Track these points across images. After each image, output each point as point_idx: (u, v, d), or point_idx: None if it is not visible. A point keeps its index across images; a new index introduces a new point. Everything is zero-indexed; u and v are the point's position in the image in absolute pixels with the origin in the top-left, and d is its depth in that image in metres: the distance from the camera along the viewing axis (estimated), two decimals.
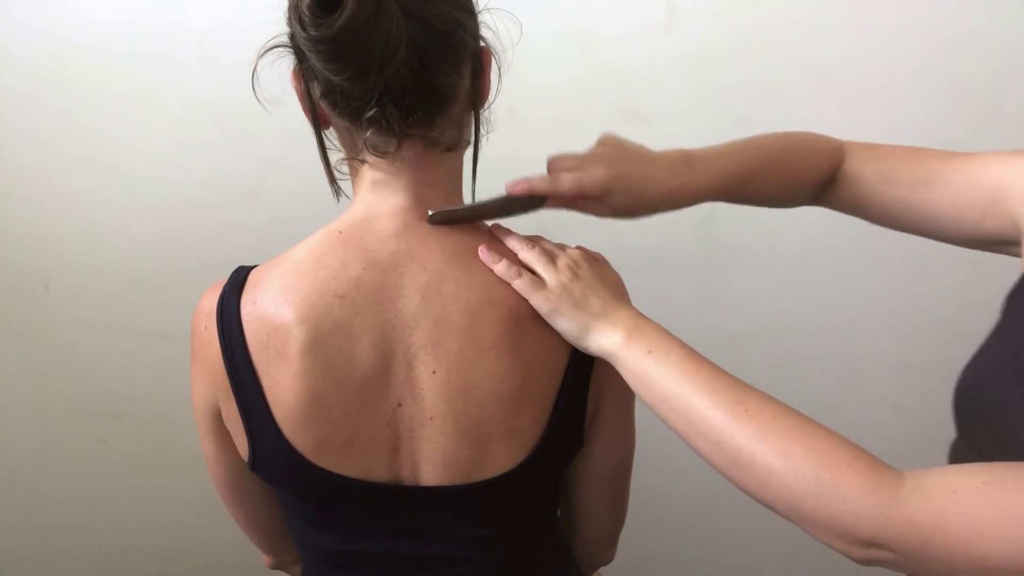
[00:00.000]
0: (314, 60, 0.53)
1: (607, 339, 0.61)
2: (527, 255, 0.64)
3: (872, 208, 0.75)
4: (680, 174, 0.69)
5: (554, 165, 0.67)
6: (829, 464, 0.50)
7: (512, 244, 0.66)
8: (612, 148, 0.68)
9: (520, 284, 0.62)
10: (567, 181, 0.65)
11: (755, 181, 0.74)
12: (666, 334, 0.61)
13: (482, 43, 0.63)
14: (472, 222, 0.66)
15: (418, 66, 0.55)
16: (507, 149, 0.90)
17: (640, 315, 0.63)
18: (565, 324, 0.62)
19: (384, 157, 0.61)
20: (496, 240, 0.66)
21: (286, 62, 0.61)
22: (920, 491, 0.48)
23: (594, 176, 0.65)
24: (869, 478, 0.49)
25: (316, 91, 0.60)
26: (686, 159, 0.70)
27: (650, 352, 0.59)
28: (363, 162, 0.63)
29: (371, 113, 0.57)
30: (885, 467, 0.50)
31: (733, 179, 0.72)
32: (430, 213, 0.63)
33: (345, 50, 0.51)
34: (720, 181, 0.71)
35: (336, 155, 0.66)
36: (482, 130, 0.67)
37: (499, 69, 0.66)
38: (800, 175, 0.76)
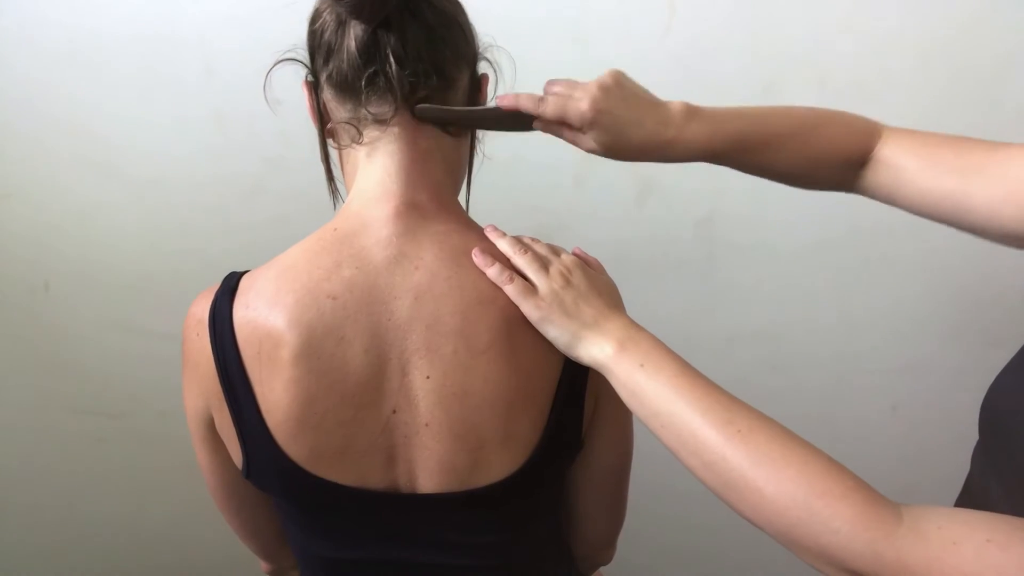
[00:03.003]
0: None
1: (598, 349, 0.59)
2: (519, 261, 0.63)
3: (909, 196, 0.70)
4: (672, 125, 0.67)
5: (548, 88, 0.67)
6: (822, 493, 0.49)
7: (504, 248, 0.64)
8: (610, 82, 0.66)
9: (511, 289, 0.61)
10: (552, 105, 0.65)
11: (770, 148, 0.70)
12: (659, 346, 0.59)
13: (481, 72, 0.67)
14: (459, 127, 0.66)
15: (423, 35, 0.60)
16: (507, 149, 0.90)
17: (633, 325, 0.61)
18: (555, 333, 0.61)
19: (381, 125, 0.62)
20: (490, 242, 0.65)
21: (287, 62, 0.65)
22: (917, 534, 0.46)
23: (579, 106, 0.64)
24: (863, 512, 0.48)
25: (323, 77, 0.62)
26: (687, 112, 0.68)
27: (642, 366, 0.57)
28: (361, 142, 0.63)
29: (373, 69, 0.59)
30: (882, 501, 0.49)
31: (739, 140, 0.69)
32: (418, 107, 0.62)
33: None
34: (721, 140, 0.68)
35: (336, 169, 0.69)
36: (476, 152, 0.71)
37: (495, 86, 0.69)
38: (825, 150, 0.71)
